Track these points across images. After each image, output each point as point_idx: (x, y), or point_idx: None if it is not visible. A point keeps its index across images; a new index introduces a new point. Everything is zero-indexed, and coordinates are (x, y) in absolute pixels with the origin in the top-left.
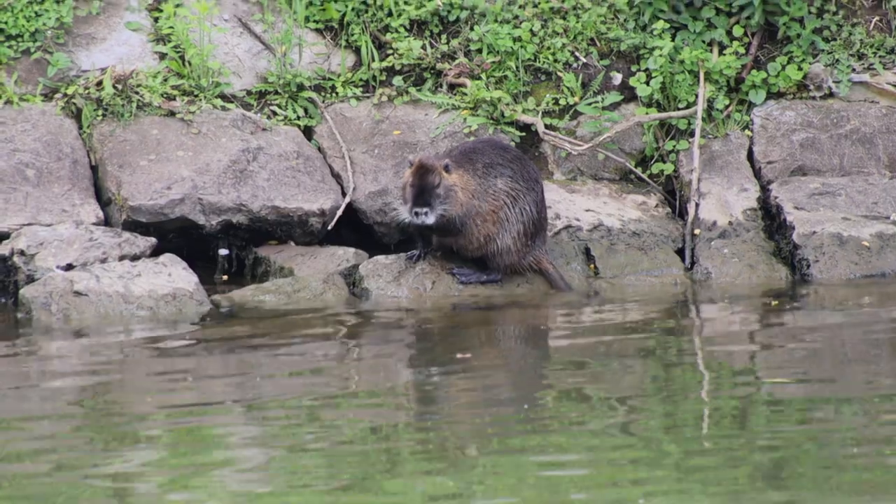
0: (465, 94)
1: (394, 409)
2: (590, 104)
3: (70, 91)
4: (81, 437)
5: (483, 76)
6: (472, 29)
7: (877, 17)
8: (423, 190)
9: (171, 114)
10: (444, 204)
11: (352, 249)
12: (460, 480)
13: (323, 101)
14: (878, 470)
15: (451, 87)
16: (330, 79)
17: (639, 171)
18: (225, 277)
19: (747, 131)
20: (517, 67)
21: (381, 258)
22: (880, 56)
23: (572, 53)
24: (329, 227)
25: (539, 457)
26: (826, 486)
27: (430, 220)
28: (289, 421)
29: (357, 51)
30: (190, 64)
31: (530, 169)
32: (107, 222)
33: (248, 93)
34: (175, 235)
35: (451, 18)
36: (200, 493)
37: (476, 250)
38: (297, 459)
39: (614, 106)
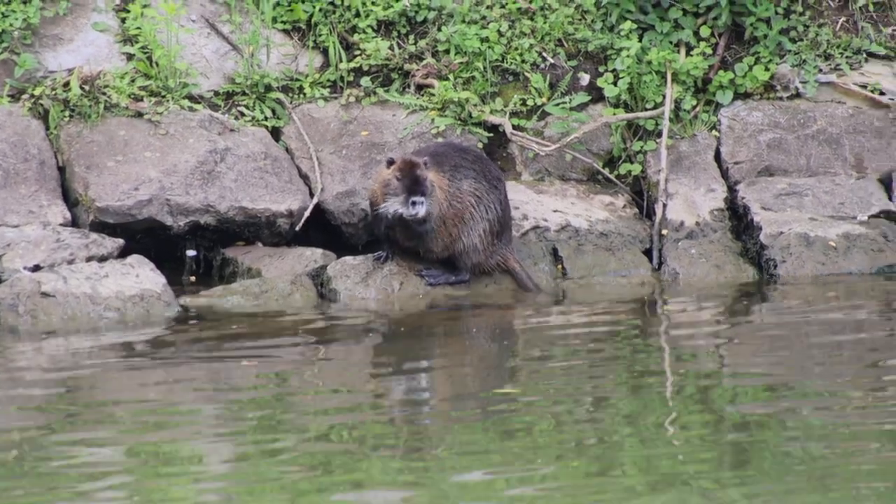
0: (433, 95)
1: (360, 412)
2: (557, 105)
3: (37, 92)
4: (48, 440)
5: (451, 77)
6: (439, 29)
7: (843, 18)
8: (415, 181)
9: (139, 115)
10: (430, 198)
11: (319, 250)
12: (427, 483)
13: (290, 102)
14: (844, 464)
15: (419, 87)
16: (297, 79)
17: (606, 171)
18: (193, 278)
19: (714, 132)
20: (485, 68)
21: (349, 259)
22: (847, 57)
23: (540, 54)
24: (297, 228)
25: (504, 457)
26: (792, 481)
27: (423, 210)
28: (256, 424)
29: (325, 51)
30: (157, 65)
31: (492, 168)
32: (74, 223)
33: (216, 93)
34: (143, 236)
35: (419, 19)
36: (166, 499)
37: (442, 252)
38: (265, 465)
39: (582, 106)
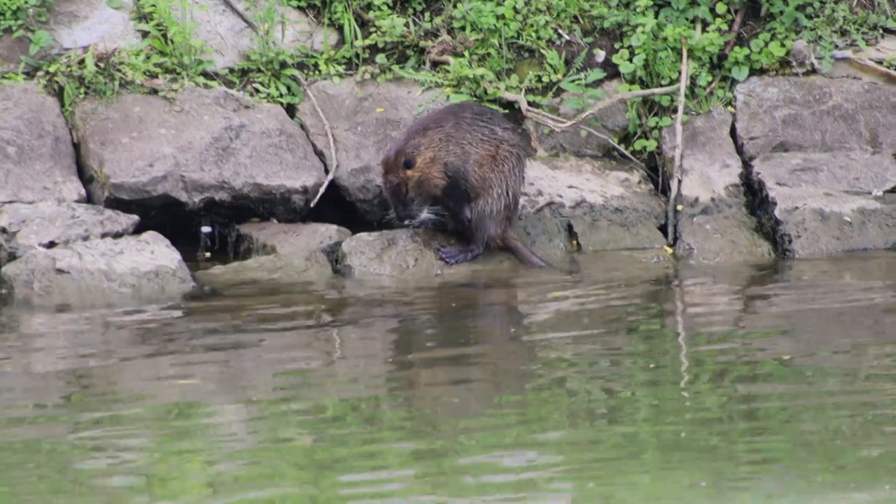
0: (449, 72)
1: (375, 389)
2: (573, 81)
3: (52, 69)
4: (64, 420)
5: (466, 53)
6: (455, 6)
7: None
8: (397, 203)
9: (154, 92)
10: (421, 196)
11: (334, 226)
12: (440, 460)
13: (306, 79)
14: (861, 447)
15: (435, 64)
16: (313, 56)
17: (622, 147)
18: (207, 255)
19: (730, 108)
20: (500, 45)
21: (363, 235)
22: (863, 32)
23: (555, 31)
24: (312, 205)
25: (516, 437)
26: (808, 464)
27: (418, 220)
28: (272, 401)
29: (340, 28)
30: (172, 42)
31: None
32: (89, 200)
33: (231, 71)
34: (157, 213)
35: None
36: (184, 475)
37: (468, 208)
38: (282, 441)
39: (597, 83)
